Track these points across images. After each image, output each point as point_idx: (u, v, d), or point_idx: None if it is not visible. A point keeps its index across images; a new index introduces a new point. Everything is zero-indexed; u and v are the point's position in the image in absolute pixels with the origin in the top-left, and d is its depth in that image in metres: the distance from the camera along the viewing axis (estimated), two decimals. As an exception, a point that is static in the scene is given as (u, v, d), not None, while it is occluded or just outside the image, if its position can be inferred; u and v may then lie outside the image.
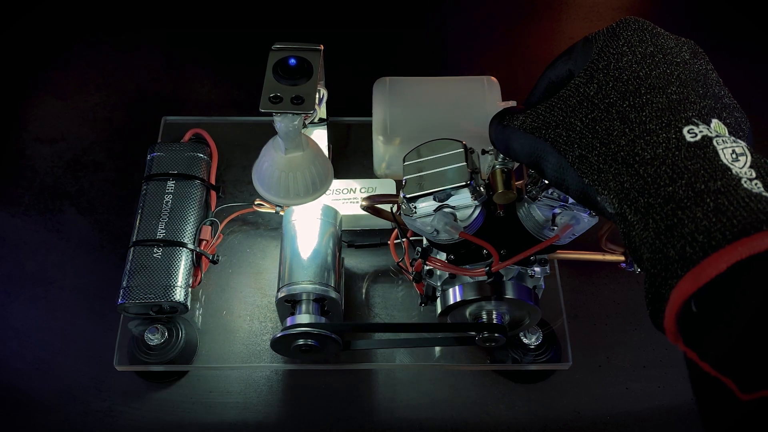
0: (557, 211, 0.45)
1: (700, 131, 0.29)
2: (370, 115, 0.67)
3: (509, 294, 0.49)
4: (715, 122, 0.30)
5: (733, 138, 0.29)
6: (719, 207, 0.26)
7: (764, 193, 0.26)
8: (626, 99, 0.32)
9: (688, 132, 0.29)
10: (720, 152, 0.28)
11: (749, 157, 0.27)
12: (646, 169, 0.29)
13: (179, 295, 0.56)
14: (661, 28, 0.35)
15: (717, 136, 0.29)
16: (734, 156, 0.27)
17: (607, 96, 0.32)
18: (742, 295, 0.24)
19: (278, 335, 0.52)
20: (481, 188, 0.45)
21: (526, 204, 0.46)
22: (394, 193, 0.64)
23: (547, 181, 0.41)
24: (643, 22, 0.35)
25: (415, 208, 0.46)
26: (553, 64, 0.38)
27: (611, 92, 0.32)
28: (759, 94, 0.81)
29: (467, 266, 0.49)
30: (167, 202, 0.61)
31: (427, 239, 0.50)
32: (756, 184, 0.26)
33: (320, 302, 0.56)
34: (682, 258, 0.26)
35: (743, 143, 0.28)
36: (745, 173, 0.27)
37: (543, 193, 0.44)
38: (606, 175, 0.31)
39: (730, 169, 0.27)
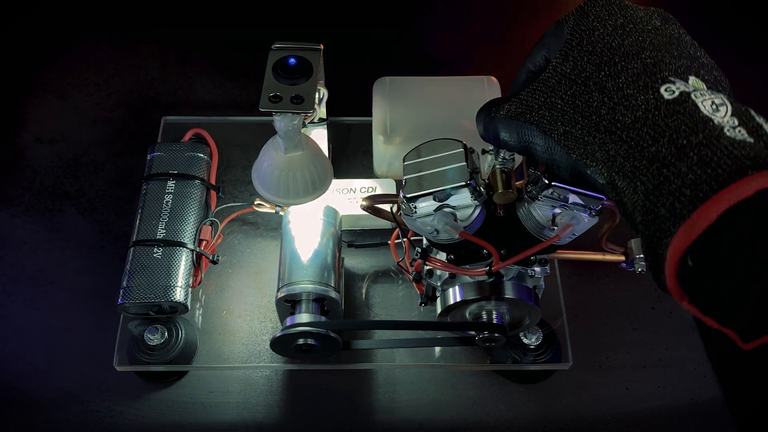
0: (557, 211, 0.45)
1: (678, 88, 0.29)
2: (370, 115, 0.67)
3: (509, 294, 0.49)
4: (692, 79, 0.30)
5: (711, 91, 0.28)
6: (703, 159, 0.26)
7: (748, 140, 0.26)
8: (602, 70, 0.32)
9: (666, 90, 0.29)
10: (699, 105, 0.28)
11: (729, 106, 0.27)
12: (628, 134, 0.29)
13: (179, 295, 0.56)
14: (629, 2, 0.35)
15: (695, 90, 0.29)
16: (714, 107, 0.27)
17: (584, 70, 0.33)
18: (734, 242, 0.24)
19: (278, 335, 0.52)
20: (481, 188, 0.45)
21: (526, 204, 0.46)
22: (394, 193, 0.64)
23: (545, 177, 0.41)
24: None
25: (415, 208, 0.46)
26: (530, 53, 0.39)
27: (587, 66, 0.33)
28: (761, 93, 0.81)
29: (467, 266, 0.49)
30: (167, 202, 0.61)
31: (427, 239, 0.50)
32: (740, 131, 0.26)
33: (320, 302, 0.56)
34: (672, 215, 0.26)
35: (722, 94, 0.28)
36: (728, 122, 0.27)
37: (543, 193, 0.44)
38: (592, 146, 0.31)
39: (711, 120, 0.27)
